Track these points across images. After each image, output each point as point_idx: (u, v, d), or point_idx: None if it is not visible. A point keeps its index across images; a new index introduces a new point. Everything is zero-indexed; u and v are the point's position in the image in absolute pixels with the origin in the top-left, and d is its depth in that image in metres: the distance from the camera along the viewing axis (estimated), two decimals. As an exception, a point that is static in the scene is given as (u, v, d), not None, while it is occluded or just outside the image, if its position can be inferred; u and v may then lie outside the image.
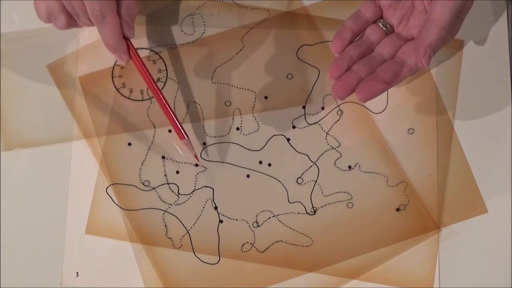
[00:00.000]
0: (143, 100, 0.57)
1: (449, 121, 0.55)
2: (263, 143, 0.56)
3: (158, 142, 0.56)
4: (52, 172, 0.55)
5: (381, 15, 0.52)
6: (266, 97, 0.56)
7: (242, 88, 0.57)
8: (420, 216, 0.54)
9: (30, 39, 0.58)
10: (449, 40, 0.49)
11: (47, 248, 0.54)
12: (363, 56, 0.51)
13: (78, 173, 0.55)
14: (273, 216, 0.54)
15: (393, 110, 0.56)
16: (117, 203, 0.54)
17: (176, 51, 0.58)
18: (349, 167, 0.55)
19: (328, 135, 0.56)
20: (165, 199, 0.54)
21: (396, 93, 0.56)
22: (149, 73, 0.53)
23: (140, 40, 0.58)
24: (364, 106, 0.56)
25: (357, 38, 0.52)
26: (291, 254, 0.53)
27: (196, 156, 0.54)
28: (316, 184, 0.55)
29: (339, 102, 0.56)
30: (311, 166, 0.55)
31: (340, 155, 0.55)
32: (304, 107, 0.56)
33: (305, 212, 0.54)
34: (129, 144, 0.56)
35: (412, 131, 0.55)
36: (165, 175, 0.55)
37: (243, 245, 0.54)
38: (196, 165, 0.55)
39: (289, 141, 0.56)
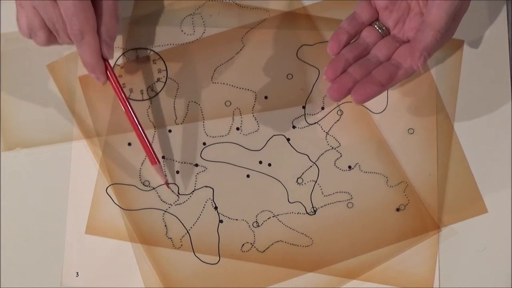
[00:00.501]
0: (143, 100, 0.57)
1: (449, 121, 0.55)
2: (263, 143, 0.56)
3: (158, 142, 0.56)
4: (52, 172, 0.55)
5: (377, 17, 0.52)
6: (266, 97, 0.56)
7: (242, 88, 0.57)
8: (420, 216, 0.54)
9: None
10: (445, 43, 0.49)
11: (47, 248, 0.54)
12: (359, 58, 0.51)
13: (78, 173, 0.55)
14: (273, 216, 0.54)
15: (393, 110, 0.56)
16: (117, 203, 0.54)
17: (176, 51, 0.58)
18: (349, 167, 0.55)
19: (328, 135, 0.56)
20: (165, 199, 0.54)
21: (396, 93, 0.56)
22: (125, 96, 0.53)
23: (140, 40, 0.58)
24: (364, 106, 0.56)
25: (353, 40, 0.52)
26: (291, 254, 0.53)
27: (166, 183, 0.54)
28: (316, 184, 0.55)
29: (338, 102, 0.56)
30: (311, 166, 0.55)
31: (340, 155, 0.55)
32: (304, 107, 0.56)
33: (305, 212, 0.54)
34: (129, 144, 0.56)
35: (412, 131, 0.55)
36: (165, 175, 0.55)
37: (243, 245, 0.54)
38: (196, 165, 0.55)
39: (289, 141, 0.56)
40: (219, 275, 0.53)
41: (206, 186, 0.55)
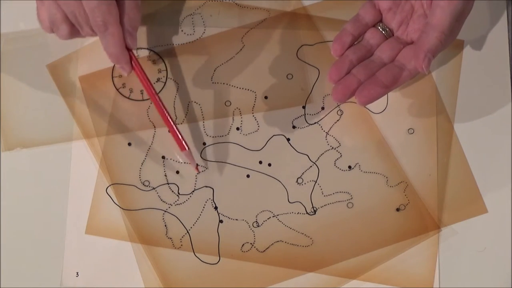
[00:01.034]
0: (143, 100, 0.57)
1: (449, 121, 0.55)
2: (263, 143, 0.56)
3: (158, 142, 0.56)
4: (52, 172, 0.55)
5: (380, 18, 0.52)
6: (266, 97, 0.56)
7: (242, 88, 0.57)
8: (420, 216, 0.54)
9: (30, 39, 0.58)
10: (448, 44, 0.49)
11: (47, 248, 0.54)
12: (363, 59, 0.51)
13: (78, 173, 0.55)
14: (273, 216, 0.54)
15: (393, 110, 0.56)
16: (117, 203, 0.54)
17: (176, 51, 0.58)
18: (349, 167, 0.55)
19: (328, 135, 0.56)
20: (165, 199, 0.54)
21: (396, 93, 0.56)
22: (151, 84, 0.53)
23: (140, 40, 0.58)
24: (364, 107, 0.56)
25: (356, 42, 0.52)
26: (291, 254, 0.53)
27: (197, 168, 0.54)
28: (316, 184, 0.55)
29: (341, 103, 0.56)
30: (311, 166, 0.55)
31: (340, 155, 0.55)
32: (304, 107, 0.56)
33: (305, 212, 0.54)
34: (129, 144, 0.56)
35: (412, 131, 0.55)
36: (165, 175, 0.55)
37: (243, 245, 0.54)
38: (196, 165, 0.55)
39: (289, 141, 0.56)
40: (219, 275, 0.53)
41: (206, 186, 0.55)
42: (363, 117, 0.56)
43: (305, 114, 0.56)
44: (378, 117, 0.56)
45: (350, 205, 0.54)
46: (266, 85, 0.57)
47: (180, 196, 0.55)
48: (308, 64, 0.57)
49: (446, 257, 0.53)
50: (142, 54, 0.58)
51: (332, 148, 0.55)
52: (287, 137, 0.56)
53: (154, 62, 0.57)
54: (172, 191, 0.55)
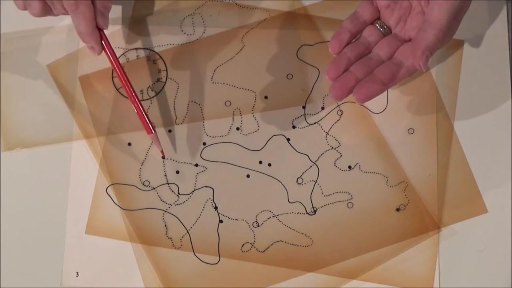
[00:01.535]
0: (143, 100, 0.57)
1: (449, 121, 0.55)
2: (263, 143, 0.56)
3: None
4: (52, 172, 0.55)
5: (378, 16, 0.52)
6: (266, 97, 0.56)
7: (242, 88, 0.57)
8: (420, 216, 0.54)
9: (30, 39, 0.58)
10: (446, 42, 0.49)
11: (47, 248, 0.54)
12: (361, 57, 0.51)
13: (78, 173, 0.55)
14: (273, 216, 0.54)
15: (393, 110, 0.56)
16: (117, 203, 0.54)
17: (176, 51, 0.58)
18: (349, 167, 0.55)
19: (328, 135, 0.56)
20: (165, 199, 0.54)
21: (396, 93, 0.56)
22: (122, 67, 0.53)
23: (140, 40, 0.58)
24: (364, 106, 0.56)
25: (354, 39, 0.52)
26: (291, 254, 0.53)
27: (162, 152, 0.54)
28: (316, 184, 0.55)
29: (339, 102, 0.56)
30: (311, 166, 0.55)
31: (340, 155, 0.55)
32: (304, 107, 0.56)
33: (305, 212, 0.54)
34: (129, 144, 0.56)
35: (412, 131, 0.55)
36: (165, 175, 0.55)
37: (243, 245, 0.54)
38: (196, 165, 0.55)
39: (289, 141, 0.56)
40: (219, 275, 0.53)
41: (206, 186, 0.55)
42: (363, 117, 0.56)
43: (305, 114, 0.56)
44: (378, 117, 0.56)
45: (350, 205, 0.54)
46: (266, 85, 0.57)
47: (180, 196, 0.55)
48: (308, 64, 0.57)
49: (446, 257, 0.53)
50: (142, 54, 0.58)
51: (332, 148, 0.55)
52: (287, 137, 0.56)
53: (154, 62, 0.57)
54: (172, 191, 0.55)
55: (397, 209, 0.54)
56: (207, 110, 0.56)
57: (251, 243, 0.54)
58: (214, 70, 0.57)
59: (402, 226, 0.54)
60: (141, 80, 0.57)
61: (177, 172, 0.55)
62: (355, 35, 0.51)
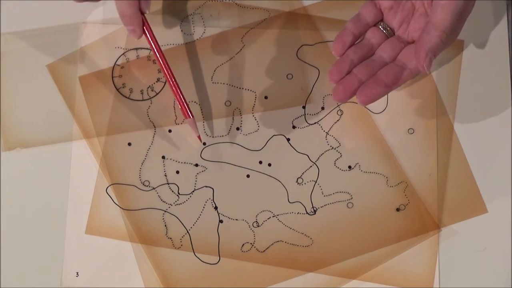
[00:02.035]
0: (143, 100, 0.57)
1: (449, 121, 0.55)
2: (263, 143, 0.56)
3: (158, 142, 0.56)
4: (52, 172, 0.55)
5: (381, 18, 0.52)
6: (266, 97, 0.56)
7: (242, 88, 0.57)
8: (420, 216, 0.54)
9: (30, 39, 0.58)
10: (450, 43, 0.49)
11: (47, 248, 0.54)
12: (364, 59, 0.51)
13: (78, 173, 0.55)
14: (273, 216, 0.54)
15: (393, 110, 0.56)
16: (117, 203, 0.54)
17: (176, 51, 0.58)
18: (349, 167, 0.55)
19: (328, 135, 0.56)
20: (165, 199, 0.54)
21: (396, 93, 0.56)
22: (162, 53, 0.53)
23: (140, 40, 0.57)
24: (364, 106, 0.56)
25: (357, 41, 0.52)
26: (291, 254, 0.53)
27: (199, 137, 0.54)
28: (316, 184, 0.55)
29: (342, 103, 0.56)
30: (311, 166, 0.55)
31: (340, 155, 0.55)
32: (304, 107, 0.56)
33: (305, 212, 0.54)
34: (129, 144, 0.56)
35: (412, 131, 0.55)
36: (165, 175, 0.55)
37: (243, 245, 0.54)
38: (196, 165, 0.55)
39: (289, 141, 0.56)
40: (219, 275, 0.53)
41: (206, 186, 0.55)
42: (363, 117, 0.56)
43: (305, 114, 0.56)
44: (378, 117, 0.56)
45: (350, 205, 0.54)
46: (266, 85, 0.57)
47: (180, 196, 0.55)
48: (308, 64, 0.57)
49: (446, 257, 0.53)
50: (142, 54, 0.58)
51: (332, 148, 0.55)
52: (287, 137, 0.56)
53: (154, 62, 0.57)
54: (172, 191, 0.55)
55: (397, 209, 0.54)
56: (207, 110, 0.56)
57: (251, 243, 0.54)
58: (214, 70, 0.57)
59: (402, 226, 0.54)
60: (141, 80, 0.57)
61: (177, 172, 0.55)
62: (358, 37, 0.51)
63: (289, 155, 0.55)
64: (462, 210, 0.54)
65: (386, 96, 0.56)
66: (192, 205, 0.54)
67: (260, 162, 0.55)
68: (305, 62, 0.57)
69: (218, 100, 0.56)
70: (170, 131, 0.56)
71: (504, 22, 0.57)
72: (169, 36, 0.58)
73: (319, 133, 0.56)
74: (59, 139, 0.56)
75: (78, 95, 0.57)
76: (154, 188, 0.55)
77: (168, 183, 0.55)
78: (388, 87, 0.49)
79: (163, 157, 0.55)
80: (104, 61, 0.57)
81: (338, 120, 0.56)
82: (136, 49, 0.58)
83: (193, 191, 0.55)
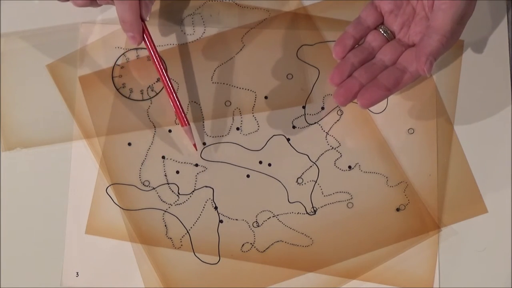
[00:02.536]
0: (143, 100, 0.57)
1: (449, 121, 0.55)
2: (263, 143, 0.56)
3: (158, 142, 0.56)
4: (52, 172, 0.55)
5: (382, 21, 0.52)
6: (266, 97, 0.56)
7: (242, 88, 0.57)
8: (420, 216, 0.54)
9: (30, 39, 0.58)
10: (450, 47, 0.49)
11: (47, 248, 0.54)
12: (365, 62, 0.51)
13: (78, 173, 0.55)
14: (273, 216, 0.54)
15: (393, 110, 0.56)
16: (117, 203, 0.54)
17: (176, 51, 0.58)
18: (349, 167, 0.55)
19: (328, 135, 0.56)
20: (165, 199, 0.54)
21: (396, 93, 0.56)
22: (160, 59, 0.53)
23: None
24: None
25: (358, 45, 0.52)
26: (291, 254, 0.53)
27: (195, 145, 0.54)
28: (316, 184, 0.55)
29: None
30: (311, 166, 0.55)
31: (340, 155, 0.55)
32: (304, 107, 0.56)
33: (305, 212, 0.54)
34: (129, 144, 0.56)
35: (412, 131, 0.55)
36: (165, 175, 0.55)
37: (243, 245, 0.54)
38: (196, 165, 0.55)
39: (289, 141, 0.56)
40: (219, 275, 0.53)
41: (206, 186, 0.55)
42: (363, 117, 0.56)
43: (305, 114, 0.56)
44: (378, 117, 0.56)
45: (350, 205, 0.54)
46: (266, 85, 0.57)
47: (180, 196, 0.55)
48: (308, 64, 0.57)
49: (446, 257, 0.53)
50: (142, 54, 0.58)
51: (332, 148, 0.55)
52: (287, 137, 0.56)
53: (154, 62, 0.57)
54: (172, 191, 0.55)
55: (397, 209, 0.54)
56: (207, 110, 0.56)
57: (251, 243, 0.54)
58: (214, 70, 0.57)
59: (402, 226, 0.54)
60: (141, 80, 0.57)
61: (177, 172, 0.55)
62: (359, 40, 0.51)
63: (289, 155, 0.55)
64: (462, 210, 0.54)
65: (386, 96, 0.56)
66: (192, 205, 0.54)
67: (260, 162, 0.55)
68: (305, 62, 0.57)
69: (218, 100, 0.56)
70: (170, 131, 0.56)
71: (504, 22, 0.57)
72: (169, 36, 0.58)
73: (319, 133, 0.56)
74: (59, 139, 0.56)
75: (78, 95, 0.57)
76: (154, 188, 0.55)
77: (168, 183, 0.55)
78: (389, 91, 0.49)
79: (163, 157, 0.55)
80: (104, 61, 0.57)
81: (338, 120, 0.56)
82: (136, 49, 0.58)
83: (193, 191, 0.55)
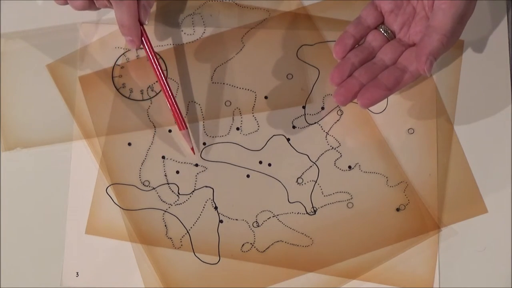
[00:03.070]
0: (143, 100, 0.57)
1: (449, 121, 0.55)
2: (263, 143, 0.56)
3: (158, 142, 0.56)
4: (52, 172, 0.55)
5: (382, 21, 0.52)
6: (266, 97, 0.56)
7: (242, 88, 0.57)
8: (420, 216, 0.54)
9: (30, 39, 0.58)
10: (450, 46, 0.49)
11: (47, 248, 0.54)
12: (365, 62, 0.51)
13: (78, 173, 0.55)
14: (273, 216, 0.54)
15: (393, 110, 0.56)
16: (117, 203, 0.54)
17: (176, 51, 0.58)
18: (349, 167, 0.55)
19: (328, 135, 0.56)
20: (165, 199, 0.54)
21: (396, 93, 0.56)
22: (158, 62, 0.53)
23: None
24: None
25: (358, 44, 0.52)
26: (291, 254, 0.53)
27: (193, 149, 0.54)
28: (316, 184, 0.55)
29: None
30: (311, 166, 0.55)
31: (340, 155, 0.55)
32: (304, 107, 0.56)
33: (305, 212, 0.54)
34: (129, 144, 0.56)
35: (412, 131, 0.55)
36: (165, 175, 0.55)
37: (243, 245, 0.54)
38: (196, 165, 0.55)
39: (289, 141, 0.56)
40: (219, 275, 0.53)
41: (206, 186, 0.55)
42: (363, 117, 0.56)
43: (305, 114, 0.56)
44: (378, 117, 0.56)
45: (350, 205, 0.54)
46: (266, 85, 0.57)
47: (180, 196, 0.55)
48: (308, 64, 0.57)
49: (446, 257, 0.53)
50: (142, 54, 0.58)
51: (332, 148, 0.55)
52: (287, 137, 0.56)
53: (154, 62, 0.57)
54: (172, 191, 0.55)
55: (397, 209, 0.54)
56: (207, 110, 0.56)
57: (251, 243, 0.54)
58: (214, 70, 0.57)
59: (402, 226, 0.54)
60: (141, 80, 0.57)
61: (177, 172, 0.55)
62: (359, 40, 0.51)
63: (289, 155, 0.55)
64: (462, 210, 0.54)
65: (386, 96, 0.56)
66: (192, 205, 0.54)
67: (260, 162, 0.55)
68: (305, 62, 0.57)
69: (218, 100, 0.56)
70: (170, 131, 0.56)
71: (504, 22, 0.57)
72: (169, 36, 0.58)
73: (319, 133, 0.56)
74: (59, 139, 0.56)
75: (78, 95, 0.57)
76: (154, 188, 0.55)
77: (168, 183, 0.55)
78: (389, 90, 0.49)
79: (163, 157, 0.55)
80: (104, 61, 0.57)
81: (338, 120, 0.56)
82: (136, 49, 0.58)
83: (193, 191, 0.55)
